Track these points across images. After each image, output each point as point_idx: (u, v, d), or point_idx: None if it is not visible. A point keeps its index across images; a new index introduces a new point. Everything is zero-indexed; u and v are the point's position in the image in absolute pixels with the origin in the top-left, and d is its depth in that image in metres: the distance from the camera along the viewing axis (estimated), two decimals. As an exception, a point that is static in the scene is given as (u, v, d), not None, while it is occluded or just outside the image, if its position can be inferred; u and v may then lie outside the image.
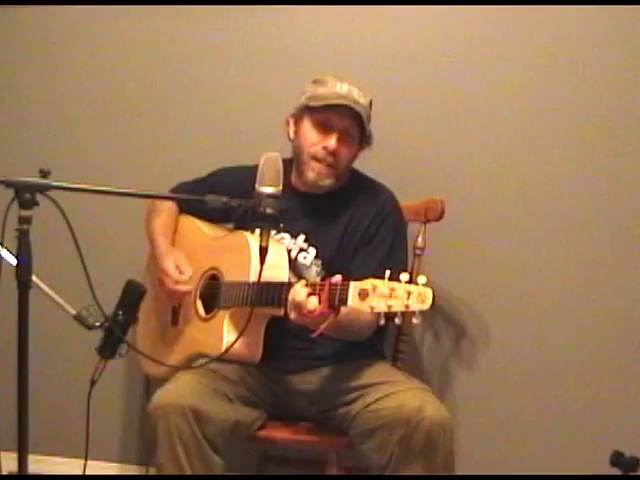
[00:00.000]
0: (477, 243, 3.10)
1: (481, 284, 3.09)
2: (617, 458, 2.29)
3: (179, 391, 2.42)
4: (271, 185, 2.16)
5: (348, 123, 2.64)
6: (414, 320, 2.11)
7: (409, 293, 2.09)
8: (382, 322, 2.18)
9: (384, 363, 2.73)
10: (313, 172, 2.66)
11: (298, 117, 2.71)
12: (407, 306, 2.09)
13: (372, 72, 3.11)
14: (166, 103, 3.34)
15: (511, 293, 3.08)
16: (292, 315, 2.34)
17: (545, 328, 3.06)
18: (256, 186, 2.17)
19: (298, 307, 2.31)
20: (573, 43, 3.02)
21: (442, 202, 2.86)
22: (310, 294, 2.30)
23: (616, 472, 2.28)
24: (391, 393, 2.42)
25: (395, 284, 2.11)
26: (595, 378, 3.02)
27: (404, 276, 2.12)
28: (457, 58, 3.10)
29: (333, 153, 2.63)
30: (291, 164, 2.72)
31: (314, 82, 2.69)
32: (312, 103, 2.64)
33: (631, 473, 2.26)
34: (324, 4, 3.15)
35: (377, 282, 2.15)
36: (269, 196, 2.15)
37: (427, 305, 2.09)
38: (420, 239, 2.87)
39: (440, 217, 2.86)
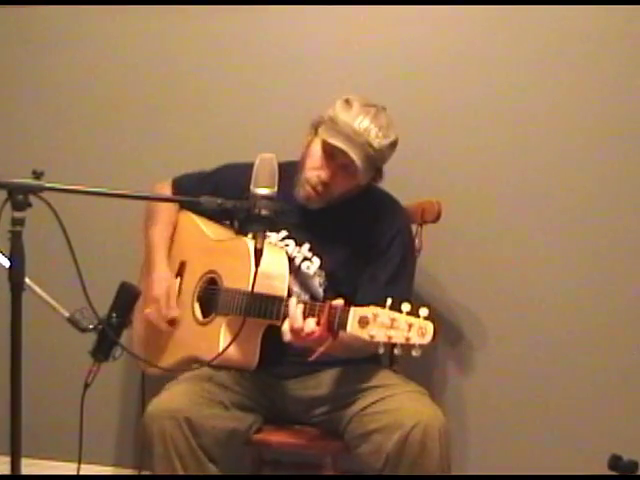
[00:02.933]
0: (474, 245, 3.09)
1: (478, 286, 3.08)
2: (615, 462, 2.28)
3: (174, 402, 2.40)
4: (266, 186, 2.15)
5: (349, 161, 2.56)
6: (413, 353, 2.11)
7: (410, 325, 2.09)
8: (381, 350, 2.17)
9: (380, 367, 2.71)
10: (303, 193, 2.63)
11: (314, 130, 2.66)
12: (407, 338, 2.09)
13: (369, 73, 3.11)
14: (161, 104, 3.33)
15: (508, 295, 3.07)
16: (288, 337, 2.34)
17: (542, 331, 3.05)
18: (251, 187, 2.15)
19: (295, 331, 2.31)
20: (572, 45, 3.01)
21: (439, 204, 2.85)
22: (309, 315, 2.30)
23: (614, 476, 2.28)
24: (387, 396, 2.42)
25: (396, 314, 2.11)
26: (593, 381, 3.01)
27: (405, 306, 2.11)
28: (455, 60, 3.09)
29: (324, 183, 2.60)
30: (295, 169, 2.70)
31: (346, 101, 2.60)
32: (322, 129, 2.59)
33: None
34: (325, 4, 3.14)
35: (378, 310, 2.14)
36: (264, 197, 2.14)
37: (427, 340, 2.08)
38: (416, 241, 2.86)
39: (436, 219, 2.85)
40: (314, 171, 2.60)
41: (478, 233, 3.09)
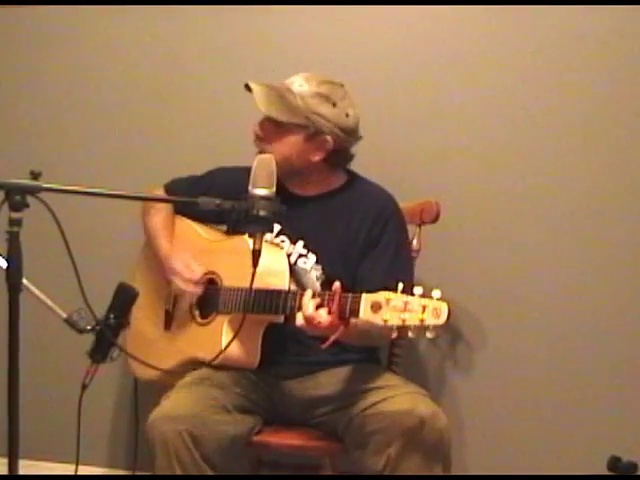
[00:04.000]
0: (472, 245, 3.09)
1: (477, 287, 3.07)
2: (614, 463, 2.28)
3: (175, 410, 2.39)
4: (264, 187, 2.14)
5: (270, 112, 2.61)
6: (428, 335, 2.08)
7: (424, 307, 2.07)
8: (394, 335, 2.15)
9: (380, 368, 2.71)
10: None
11: None
12: (422, 320, 2.06)
13: (367, 73, 3.10)
14: (158, 104, 3.32)
15: (507, 296, 3.07)
16: (299, 323, 2.33)
17: (541, 331, 3.04)
18: (249, 188, 2.14)
19: (307, 320, 2.30)
20: (569, 44, 3.01)
21: (437, 204, 2.85)
22: (319, 306, 2.29)
23: (614, 477, 2.28)
24: (388, 397, 2.40)
25: (409, 297, 2.10)
26: (593, 381, 3.01)
27: (418, 289, 2.10)
28: (454, 60, 3.08)
29: (257, 137, 2.64)
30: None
31: None
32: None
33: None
34: (320, 4, 3.13)
35: (391, 295, 2.13)
36: (262, 198, 2.13)
37: (442, 320, 2.06)
38: (415, 241, 2.85)
39: (435, 219, 2.85)
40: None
41: (477, 234, 3.08)
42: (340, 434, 2.50)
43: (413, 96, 3.12)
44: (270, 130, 2.62)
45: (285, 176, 2.56)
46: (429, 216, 2.85)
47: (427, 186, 3.04)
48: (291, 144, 2.63)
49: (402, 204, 2.78)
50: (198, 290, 2.66)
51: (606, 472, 2.31)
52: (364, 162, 2.73)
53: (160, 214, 2.84)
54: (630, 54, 2.97)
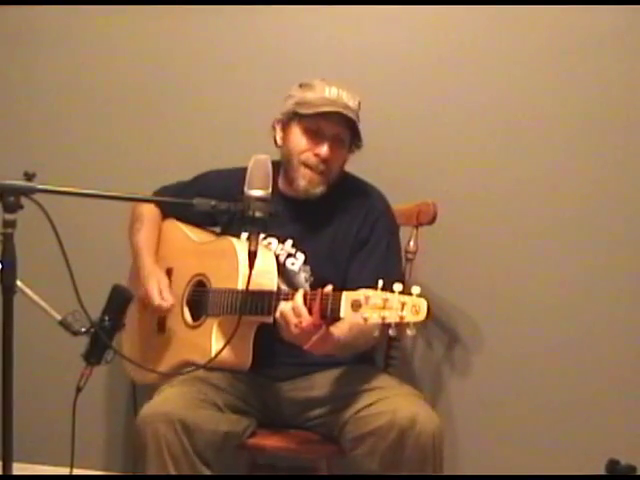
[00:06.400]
0: (470, 247, 3.08)
1: (474, 288, 3.07)
2: (613, 466, 2.27)
3: (167, 404, 2.38)
4: (260, 188, 2.13)
5: (339, 129, 2.59)
6: (408, 332, 2.08)
7: (403, 304, 2.07)
8: (376, 334, 2.15)
9: (375, 369, 2.71)
10: (304, 180, 2.60)
11: (285, 123, 2.65)
12: (401, 317, 2.06)
13: (364, 74, 3.09)
14: (153, 105, 3.31)
15: (504, 298, 3.06)
16: (282, 330, 2.33)
17: (538, 333, 3.04)
18: (245, 189, 2.13)
19: (287, 321, 2.29)
20: (568, 45, 3.01)
21: (434, 205, 2.84)
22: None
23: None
24: (382, 399, 2.40)
25: (388, 295, 2.09)
26: (590, 384, 3.01)
27: (397, 286, 2.09)
28: (450, 60, 3.08)
29: (325, 160, 2.59)
30: (278, 167, 2.67)
31: (301, 86, 2.63)
32: (301, 110, 2.58)
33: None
34: (315, 4, 3.13)
35: (370, 292, 2.12)
36: (258, 199, 2.12)
37: (422, 316, 2.06)
38: (412, 243, 2.85)
39: (432, 221, 2.84)
40: (308, 152, 2.59)
41: (474, 235, 3.08)
42: (336, 436, 2.49)
43: (410, 98, 3.11)
44: (335, 150, 2.61)
45: (329, 187, 2.63)
46: (426, 217, 2.84)
47: (424, 187, 3.04)
48: (344, 157, 2.69)
49: (399, 205, 2.79)
50: (169, 307, 2.64)
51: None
52: (361, 163, 2.72)
53: (143, 230, 2.82)
54: (630, 54, 2.96)
